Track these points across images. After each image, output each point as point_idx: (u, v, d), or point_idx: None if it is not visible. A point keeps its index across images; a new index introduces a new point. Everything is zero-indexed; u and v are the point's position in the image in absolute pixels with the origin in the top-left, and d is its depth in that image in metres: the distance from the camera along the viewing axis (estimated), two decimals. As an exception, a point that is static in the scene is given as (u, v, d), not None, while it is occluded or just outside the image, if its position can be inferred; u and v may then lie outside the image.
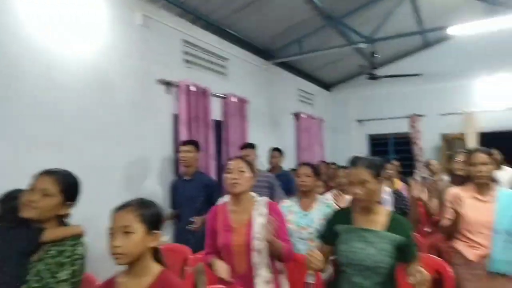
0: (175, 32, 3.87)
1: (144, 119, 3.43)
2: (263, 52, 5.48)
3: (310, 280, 1.67)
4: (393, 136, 7.90)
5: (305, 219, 2.56)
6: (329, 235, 1.84)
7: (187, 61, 4.06)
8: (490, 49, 6.66)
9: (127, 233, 1.27)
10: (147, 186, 3.43)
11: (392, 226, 1.70)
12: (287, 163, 5.11)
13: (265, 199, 2.01)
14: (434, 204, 3.11)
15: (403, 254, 1.68)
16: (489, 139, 6.40)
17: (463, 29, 4.81)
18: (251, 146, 3.73)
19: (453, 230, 2.36)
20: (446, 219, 2.40)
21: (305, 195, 2.66)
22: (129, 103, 3.28)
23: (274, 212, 1.91)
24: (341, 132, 8.15)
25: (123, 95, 3.23)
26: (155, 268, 1.37)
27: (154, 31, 3.59)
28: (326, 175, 5.22)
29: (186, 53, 4.05)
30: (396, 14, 5.24)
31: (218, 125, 4.45)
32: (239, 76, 4.96)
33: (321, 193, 3.98)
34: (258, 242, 1.84)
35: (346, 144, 7.93)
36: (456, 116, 7.10)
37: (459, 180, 3.05)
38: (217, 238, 1.95)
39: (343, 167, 3.51)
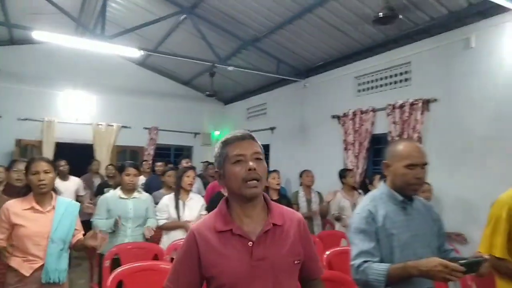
0: None
1: None
2: None
3: None
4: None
5: None
6: None
7: None
8: (77, 65, 7.14)
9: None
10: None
11: None
12: None
13: None
14: None
15: None
16: (64, 149, 6.76)
17: (49, 37, 4.78)
18: None
19: None
20: None
21: None
22: None
23: None
24: None
25: None
26: None
27: None
28: None
29: None
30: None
31: None
32: None
33: None
34: None
35: None
36: (35, 123, 6.97)
37: (14, 190, 2.90)
38: None
39: None
